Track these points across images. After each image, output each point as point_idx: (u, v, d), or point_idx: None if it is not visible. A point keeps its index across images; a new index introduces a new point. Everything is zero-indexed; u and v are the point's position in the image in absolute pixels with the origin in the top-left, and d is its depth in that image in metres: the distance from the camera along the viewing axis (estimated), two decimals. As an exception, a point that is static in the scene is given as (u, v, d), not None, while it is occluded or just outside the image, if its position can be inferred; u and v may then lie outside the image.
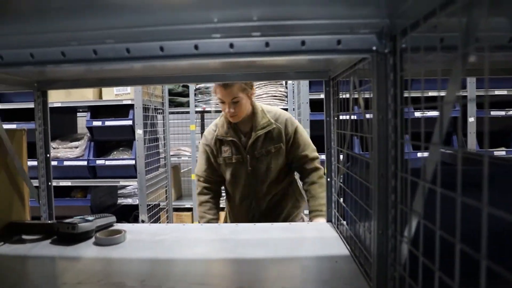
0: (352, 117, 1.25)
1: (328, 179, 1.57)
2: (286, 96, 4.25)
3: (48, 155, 1.63)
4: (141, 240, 1.43)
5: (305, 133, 2.06)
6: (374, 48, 0.84)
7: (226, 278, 1.07)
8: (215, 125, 2.05)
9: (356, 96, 1.14)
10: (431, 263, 0.61)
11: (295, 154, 1.99)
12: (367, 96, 1.02)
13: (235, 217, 2.11)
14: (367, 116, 1.01)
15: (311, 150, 2.02)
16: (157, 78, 1.55)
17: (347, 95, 1.27)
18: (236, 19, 0.80)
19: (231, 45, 0.84)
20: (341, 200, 1.42)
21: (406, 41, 0.78)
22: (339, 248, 1.29)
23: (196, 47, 0.84)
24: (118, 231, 1.43)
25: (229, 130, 1.97)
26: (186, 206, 4.50)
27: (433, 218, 0.60)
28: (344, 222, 1.39)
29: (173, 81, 1.64)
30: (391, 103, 0.82)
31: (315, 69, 1.53)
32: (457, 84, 0.55)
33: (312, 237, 1.44)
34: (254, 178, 1.97)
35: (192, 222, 4.37)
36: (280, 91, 4.26)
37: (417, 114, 2.97)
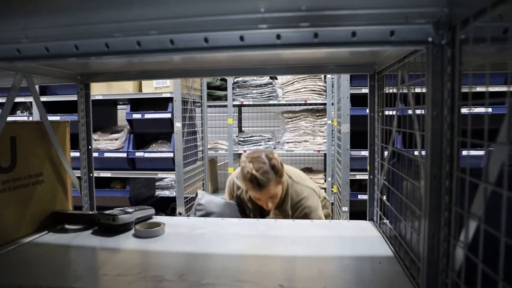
0: (398, 112, 1.19)
1: (371, 177, 1.52)
2: (325, 91, 4.18)
3: (90, 147, 1.66)
4: (179, 233, 1.43)
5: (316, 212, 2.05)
6: (430, 39, 0.79)
7: (266, 275, 1.05)
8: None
9: (405, 91, 1.09)
10: (491, 270, 0.56)
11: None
12: (417, 91, 0.96)
13: None
14: (417, 112, 0.96)
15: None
16: (197, 70, 1.54)
17: (394, 90, 1.22)
18: (283, 9, 0.77)
19: (278, 36, 0.80)
20: (384, 198, 1.36)
21: (466, 32, 0.72)
22: (382, 248, 1.24)
23: (241, 38, 0.82)
24: (157, 224, 1.44)
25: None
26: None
27: (493, 222, 0.56)
28: (387, 221, 1.34)
29: (213, 74, 1.62)
30: (448, 98, 0.76)
31: (359, 63, 1.47)
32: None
33: (353, 235, 1.39)
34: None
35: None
36: (319, 85, 4.19)
37: (464, 110, 2.83)
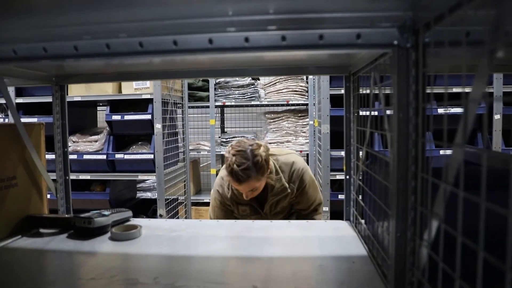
0: (373, 113, 1.21)
1: (347, 177, 1.54)
2: (307, 91, 4.20)
3: (65, 150, 1.64)
4: (156, 235, 1.42)
5: (314, 184, 2.08)
6: (395, 42, 0.80)
7: (240, 276, 1.05)
8: (228, 185, 2.00)
9: (377, 92, 1.10)
10: (452, 268, 0.58)
11: (300, 201, 2.04)
12: (388, 92, 0.98)
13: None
14: (388, 113, 0.97)
15: (317, 202, 2.08)
16: (176, 72, 1.53)
17: (368, 91, 1.23)
18: (251, 12, 0.77)
19: (246, 39, 0.81)
20: (360, 198, 1.38)
21: (429, 35, 0.74)
22: (357, 248, 1.25)
23: (210, 41, 0.82)
24: (134, 226, 1.43)
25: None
26: (205, 200, 4.51)
27: (455, 221, 0.57)
28: (363, 221, 1.36)
29: (193, 75, 1.62)
30: (413, 100, 0.78)
31: (335, 64, 1.49)
32: (483, 82, 0.51)
33: (330, 236, 1.41)
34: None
35: (210, 216, 4.37)
36: (301, 86, 4.22)
37: (440, 110, 2.89)
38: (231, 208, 2.04)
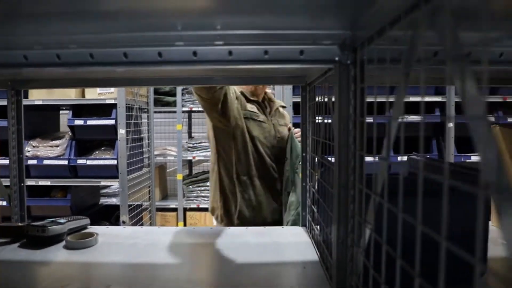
0: (326, 122, 1.26)
1: (303, 184, 1.58)
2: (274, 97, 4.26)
3: (21, 156, 1.62)
4: (113, 243, 1.42)
5: None
6: (337, 58, 0.85)
7: (193, 283, 1.07)
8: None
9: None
10: (383, 273, 0.62)
11: None
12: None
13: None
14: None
15: None
16: (140, 80, 1.53)
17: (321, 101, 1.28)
18: (199, 28, 0.80)
19: (195, 53, 0.84)
20: (313, 205, 1.42)
21: (365, 53, 0.79)
22: (310, 254, 1.29)
23: (160, 54, 0.84)
24: (90, 234, 1.42)
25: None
26: (171, 206, 4.49)
27: (388, 228, 0.61)
28: (316, 228, 1.40)
29: (161, 83, 1.59)
30: (352, 113, 0.83)
31: (292, 74, 1.53)
32: (401, 102, 0.56)
33: (286, 241, 1.44)
34: (280, 150, 2.01)
35: (177, 223, 4.35)
36: (268, 92, 4.26)
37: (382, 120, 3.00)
38: (239, 101, 2.00)
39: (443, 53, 0.42)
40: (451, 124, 3.14)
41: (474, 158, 3.26)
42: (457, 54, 0.40)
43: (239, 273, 1.14)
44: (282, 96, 3.14)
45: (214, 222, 2.15)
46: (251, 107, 2.01)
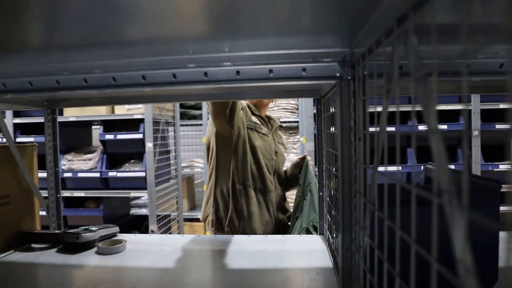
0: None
1: (320, 193, 1.63)
2: (297, 109, 4.32)
3: (57, 169, 1.74)
4: (140, 249, 1.51)
5: None
6: (338, 74, 0.91)
7: (211, 286, 1.15)
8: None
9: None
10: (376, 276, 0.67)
11: None
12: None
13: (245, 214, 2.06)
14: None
15: None
16: (167, 96, 1.63)
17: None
18: (209, 51, 0.88)
19: (205, 74, 0.92)
20: (328, 214, 1.47)
21: (364, 69, 0.85)
22: (325, 261, 1.34)
23: (174, 76, 0.93)
24: (119, 241, 1.52)
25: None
26: (199, 216, 4.57)
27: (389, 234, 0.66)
28: (330, 235, 1.45)
29: (181, 99, 1.69)
30: (353, 126, 0.88)
31: (308, 88, 1.59)
32: (385, 115, 0.62)
33: (302, 249, 1.49)
34: (277, 165, 2.11)
35: (205, 232, 4.44)
36: (291, 103, 4.32)
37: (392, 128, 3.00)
38: (245, 113, 2.07)
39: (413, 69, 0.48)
40: (476, 132, 3.10)
41: (503, 166, 3.20)
42: (419, 73, 0.46)
43: (256, 277, 1.20)
44: (304, 107, 3.19)
45: (207, 228, 2.23)
46: (255, 119, 2.10)
